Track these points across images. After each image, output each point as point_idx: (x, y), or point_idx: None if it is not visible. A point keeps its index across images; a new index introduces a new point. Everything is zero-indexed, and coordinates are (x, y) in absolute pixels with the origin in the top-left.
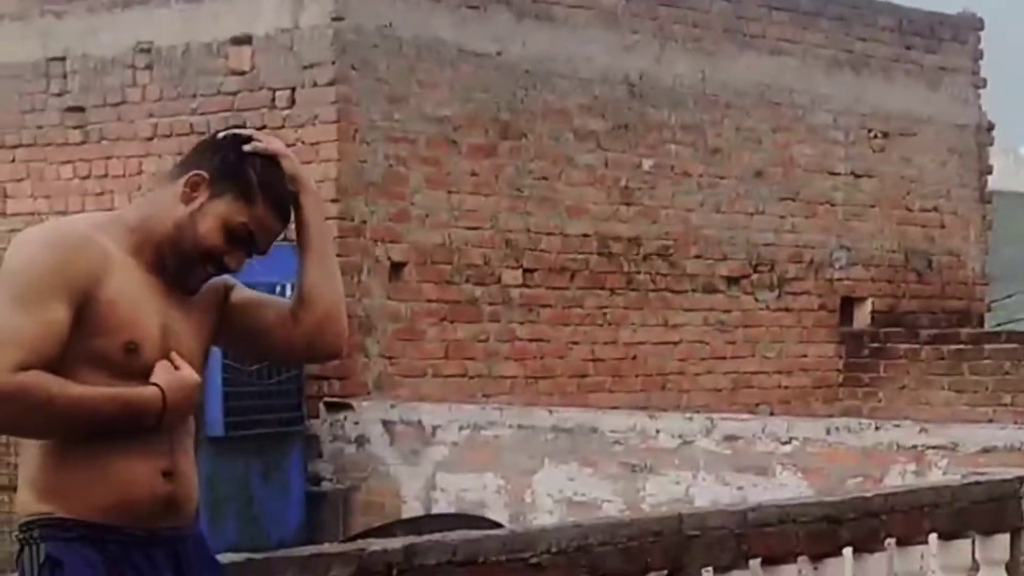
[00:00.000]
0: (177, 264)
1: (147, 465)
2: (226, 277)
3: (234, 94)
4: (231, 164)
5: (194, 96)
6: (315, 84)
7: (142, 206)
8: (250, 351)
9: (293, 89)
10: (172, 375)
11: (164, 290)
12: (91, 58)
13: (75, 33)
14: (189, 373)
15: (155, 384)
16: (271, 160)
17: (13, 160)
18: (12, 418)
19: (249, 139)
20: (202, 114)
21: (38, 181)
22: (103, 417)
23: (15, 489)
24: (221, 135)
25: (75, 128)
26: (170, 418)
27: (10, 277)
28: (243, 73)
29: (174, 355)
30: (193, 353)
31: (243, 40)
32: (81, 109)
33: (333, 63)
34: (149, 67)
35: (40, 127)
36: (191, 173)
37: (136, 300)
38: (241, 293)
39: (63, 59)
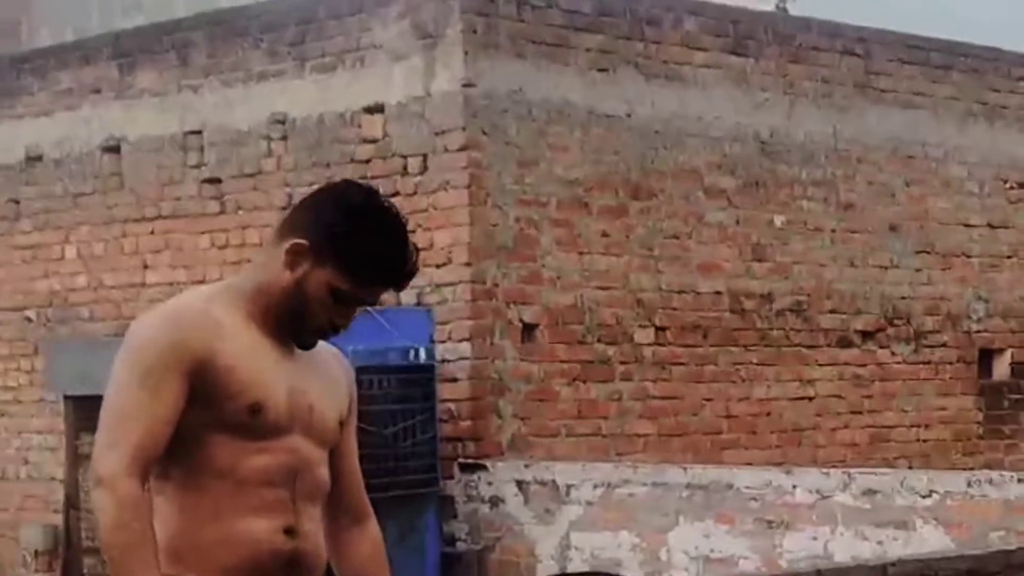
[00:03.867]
0: (291, 324)
1: (269, 522)
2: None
3: (367, 162)
4: (331, 231)
5: (328, 165)
6: (446, 150)
7: (253, 271)
8: None
9: (425, 156)
10: None
11: (287, 353)
12: (227, 130)
13: (211, 107)
14: None
15: None
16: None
17: (152, 232)
18: (99, 510)
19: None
20: None
21: (177, 252)
22: None
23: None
24: (322, 192)
25: (212, 199)
26: None
27: (129, 358)
28: (376, 141)
29: None
30: (325, 416)
31: (376, 109)
32: (218, 180)
33: (464, 129)
34: (284, 138)
35: (178, 199)
36: (292, 242)
37: (256, 362)
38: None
39: (200, 132)
